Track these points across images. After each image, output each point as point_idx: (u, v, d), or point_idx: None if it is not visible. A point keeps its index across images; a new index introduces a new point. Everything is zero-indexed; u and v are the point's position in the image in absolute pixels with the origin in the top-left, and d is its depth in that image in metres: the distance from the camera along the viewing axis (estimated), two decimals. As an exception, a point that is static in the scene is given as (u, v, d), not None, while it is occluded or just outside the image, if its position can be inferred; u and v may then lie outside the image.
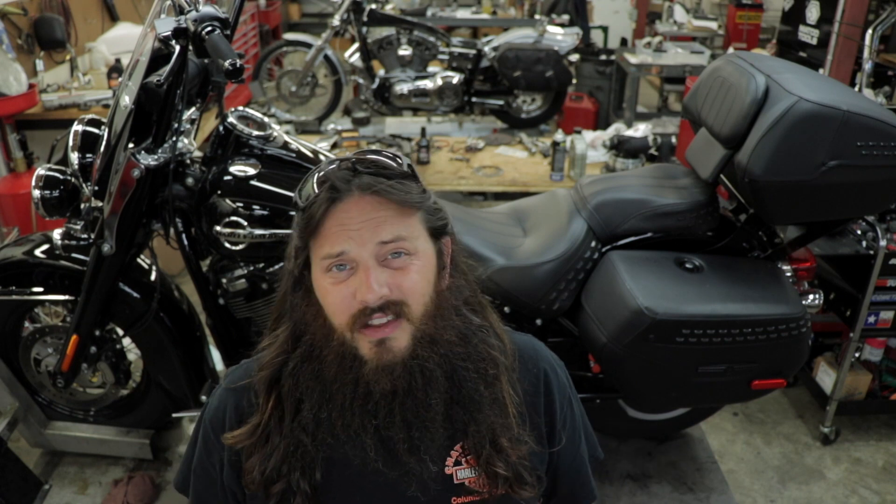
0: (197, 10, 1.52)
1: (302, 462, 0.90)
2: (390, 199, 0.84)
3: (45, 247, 2.01)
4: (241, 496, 0.98)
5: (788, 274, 1.89)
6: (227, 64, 1.40)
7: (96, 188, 1.75)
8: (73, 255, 1.96)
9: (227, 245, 1.80)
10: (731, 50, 5.14)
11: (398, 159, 0.90)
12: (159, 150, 1.74)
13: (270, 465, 0.90)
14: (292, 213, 1.74)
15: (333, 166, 0.87)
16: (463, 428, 0.91)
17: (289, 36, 5.51)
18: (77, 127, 1.84)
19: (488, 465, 0.91)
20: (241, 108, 1.90)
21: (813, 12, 3.90)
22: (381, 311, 0.84)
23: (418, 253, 0.87)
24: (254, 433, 0.92)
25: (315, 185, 0.86)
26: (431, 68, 4.83)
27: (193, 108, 1.88)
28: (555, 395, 1.02)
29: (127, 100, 1.66)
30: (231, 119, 1.82)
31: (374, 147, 3.66)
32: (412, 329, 0.86)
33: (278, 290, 0.98)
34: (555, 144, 3.37)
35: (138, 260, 2.04)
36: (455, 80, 4.66)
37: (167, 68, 1.59)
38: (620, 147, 3.41)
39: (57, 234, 1.93)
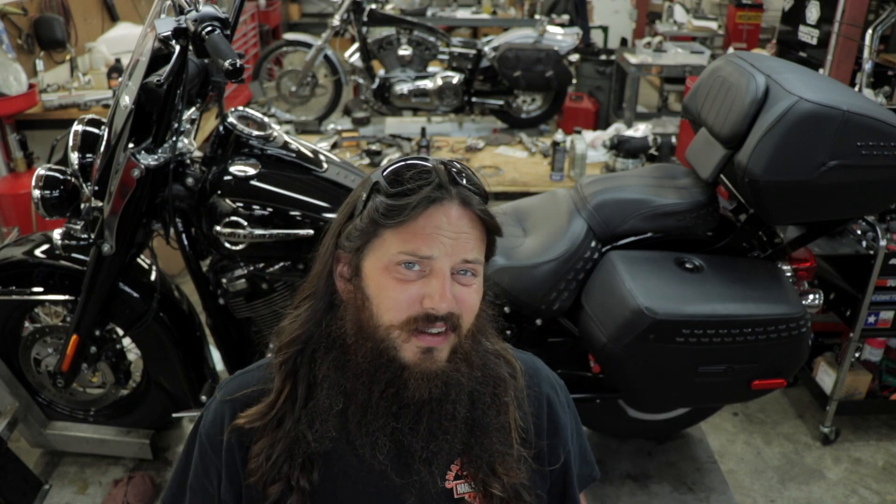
0: (197, 10, 1.52)
1: (303, 457, 0.89)
2: (484, 220, 0.86)
3: (45, 247, 2.01)
4: None
5: (788, 274, 1.88)
6: (227, 64, 1.40)
7: (96, 188, 1.75)
8: (73, 255, 1.96)
9: (227, 245, 1.80)
10: (731, 50, 5.14)
11: (480, 179, 0.90)
12: (159, 150, 1.74)
13: (277, 450, 0.89)
14: (293, 212, 1.77)
15: (434, 163, 0.86)
16: (468, 448, 0.91)
17: (289, 36, 5.51)
18: (77, 127, 1.84)
19: (485, 486, 0.91)
20: (241, 108, 1.89)
21: (813, 12, 3.89)
22: (442, 320, 0.84)
23: (479, 274, 0.89)
24: (266, 413, 0.91)
25: (414, 176, 0.84)
26: (431, 68, 4.83)
27: (193, 108, 1.88)
28: (559, 416, 1.02)
29: (127, 100, 1.66)
30: (231, 119, 1.82)
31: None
32: (455, 343, 0.87)
33: (312, 269, 0.95)
34: (555, 144, 3.37)
35: (138, 260, 2.04)
36: (455, 80, 4.66)
37: (167, 68, 1.59)
38: (620, 147, 3.40)
39: (57, 234, 1.92)
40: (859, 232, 2.29)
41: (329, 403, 0.87)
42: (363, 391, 0.86)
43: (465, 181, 0.86)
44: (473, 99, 4.80)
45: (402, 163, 0.87)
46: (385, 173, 0.86)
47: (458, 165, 0.88)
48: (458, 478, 0.92)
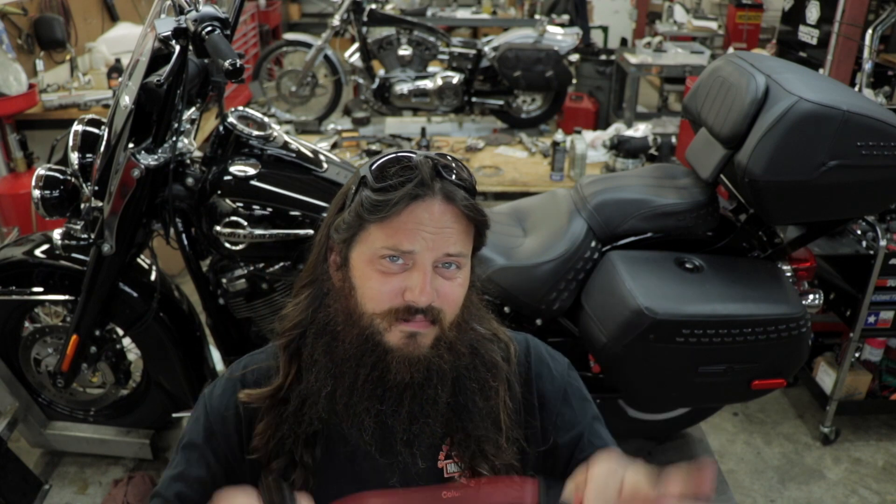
0: (197, 10, 1.52)
1: (306, 434, 0.92)
2: (468, 215, 0.87)
3: (45, 247, 2.00)
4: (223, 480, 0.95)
5: (788, 274, 1.88)
6: (227, 64, 1.40)
7: (96, 188, 1.75)
8: (73, 255, 1.96)
9: (227, 245, 1.80)
10: (731, 50, 5.14)
11: (470, 172, 0.91)
12: (159, 150, 1.75)
13: (283, 428, 0.92)
14: (293, 212, 1.77)
15: (419, 158, 0.87)
16: (452, 432, 0.94)
17: (289, 36, 5.51)
18: (77, 127, 1.84)
19: (473, 465, 0.93)
20: (241, 108, 1.90)
21: (813, 12, 3.89)
22: (423, 313, 0.86)
23: (464, 267, 0.90)
24: (274, 395, 0.94)
25: (399, 172, 0.86)
26: (431, 68, 4.83)
27: (193, 108, 1.88)
28: (546, 391, 1.02)
29: (127, 100, 1.66)
30: (231, 119, 1.82)
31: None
32: (439, 333, 0.89)
33: (309, 258, 0.98)
34: (555, 144, 3.37)
35: (138, 260, 2.04)
36: (455, 80, 4.66)
37: (167, 68, 1.59)
38: (620, 147, 3.40)
39: (57, 234, 1.93)
40: (859, 232, 2.29)
41: (318, 386, 0.91)
42: (350, 374, 0.89)
43: (453, 176, 0.87)
44: (473, 99, 4.80)
45: (389, 157, 0.89)
46: (372, 168, 0.88)
47: (448, 159, 0.89)
48: (449, 457, 0.95)
